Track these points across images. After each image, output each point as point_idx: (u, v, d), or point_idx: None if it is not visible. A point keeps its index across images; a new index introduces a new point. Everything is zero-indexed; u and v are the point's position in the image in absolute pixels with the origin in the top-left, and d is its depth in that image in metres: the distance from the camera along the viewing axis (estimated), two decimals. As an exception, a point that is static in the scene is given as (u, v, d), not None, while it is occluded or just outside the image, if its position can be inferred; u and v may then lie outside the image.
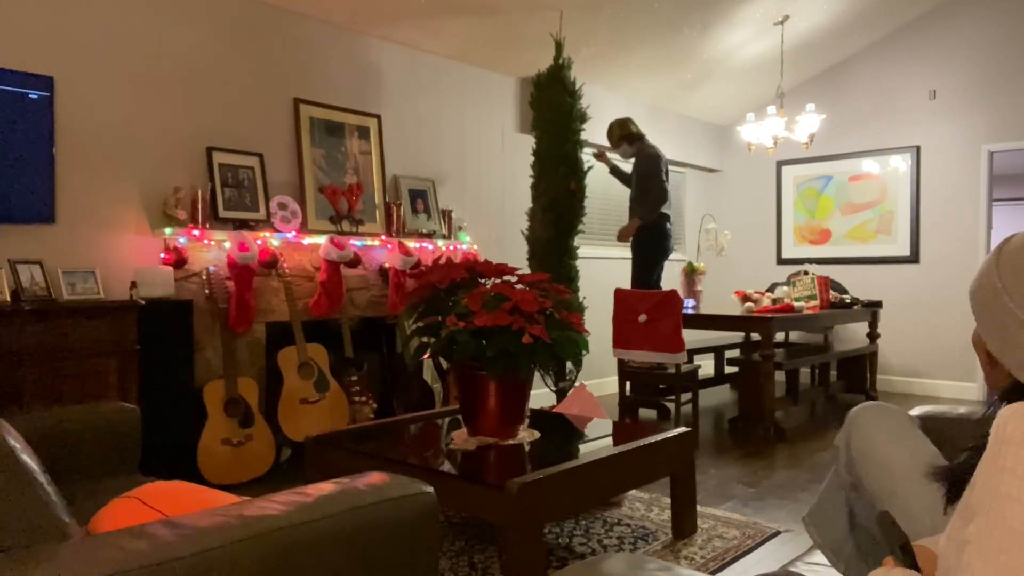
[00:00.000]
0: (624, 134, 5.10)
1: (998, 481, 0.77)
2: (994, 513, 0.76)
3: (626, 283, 5.80)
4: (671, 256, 5.18)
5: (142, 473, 2.21)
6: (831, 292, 5.55)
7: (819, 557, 1.56)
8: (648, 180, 4.97)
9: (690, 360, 5.41)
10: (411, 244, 4.56)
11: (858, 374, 6.00)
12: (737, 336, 6.19)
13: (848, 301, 5.68)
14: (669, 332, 4.38)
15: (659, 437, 2.75)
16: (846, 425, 1.57)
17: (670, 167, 5.25)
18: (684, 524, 2.85)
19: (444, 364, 4.58)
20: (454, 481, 2.33)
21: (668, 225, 5.01)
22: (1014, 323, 0.90)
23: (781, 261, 7.20)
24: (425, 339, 2.76)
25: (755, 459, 4.13)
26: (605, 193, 6.23)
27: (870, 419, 1.53)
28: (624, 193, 5.39)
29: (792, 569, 1.49)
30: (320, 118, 4.37)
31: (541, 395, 5.38)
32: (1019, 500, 0.74)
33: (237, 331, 3.74)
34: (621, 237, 5.07)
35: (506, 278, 2.88)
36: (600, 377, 6.14)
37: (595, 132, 5.53)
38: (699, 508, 3.17)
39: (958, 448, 1.65)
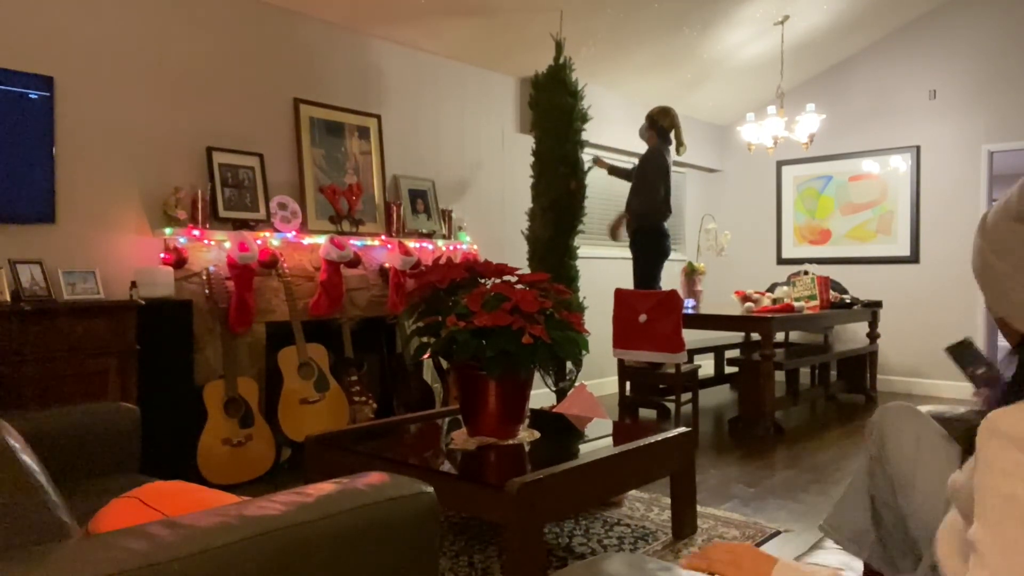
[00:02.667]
0: (654, 116, 5.03)
1: (992, 482, 0.81)
2: (993, 511, 0.80)
3: (626, 283, 5.80)
4: (671, 256, 5.18)
5: (142, 473, 2.20)
6: (831, 292, 5.55)
7: (819, 557, 1.56)
8: (642, 181, 4.99)
9: (690, 360, 5.41)
10: (411, 244, 4.56)
11: (858, 374, 6.00)
12: (737, 336, 6.19)
13: (848, 301, 5.68)
14: (669, 332, 4.38)
15: (659, 437, 2.75)
16: (875, 419, 1.62)
17: (671, 168, 5.22)
18: (684, 524, 2.85)
19: (444, 364, 4.58)
20: (454, 481, 2.33)
21: (666, 225, 5.00)
22: (997, 275, 0.96)
23: (781, 261, 7.20)
24: (425, 339, 2.76)
25: (755, 459, 4.13)
26: (605, 193, 6.23)
27: (897, 415, 1.58)
28: (624, 191, 5.38)
29: None
30: (320, 118, 4.37)
31: (541, 395, 5.38)
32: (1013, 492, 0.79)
33: (237, 331, 3.74)
34: (612, 231, 5.12)
35: (506, 278, 2.88)
36: (600, 377, 6.14)
37: (596, 132, 5.52)
38: (699, 508, 3.17)
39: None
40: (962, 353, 1.31)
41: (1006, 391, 0.96)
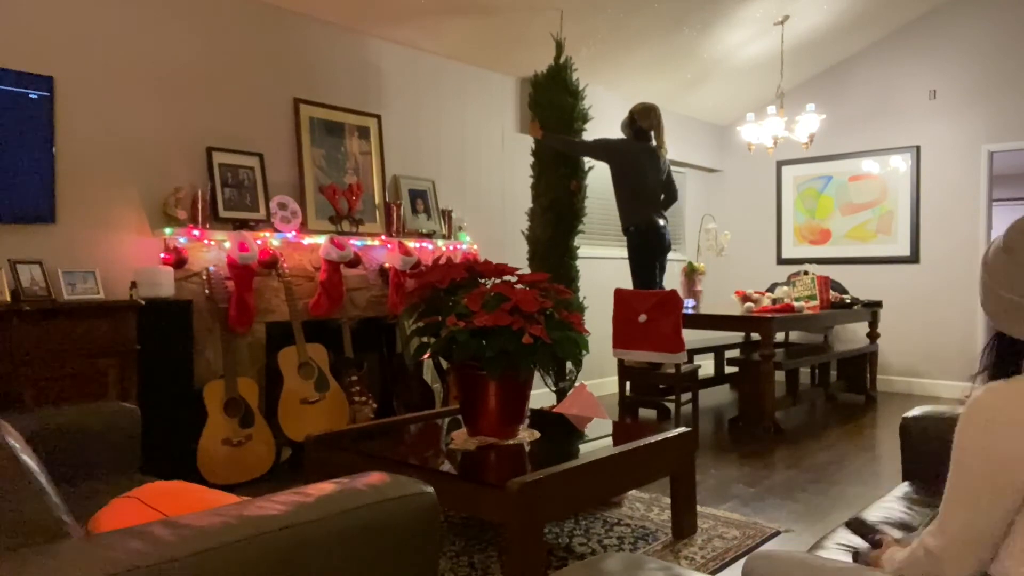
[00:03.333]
0: (635, 114, 4.94)
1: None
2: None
3: (626, 283, 5.80)
4: (671, 256, 5.15)
5: (142, 473, 2.21)
6: (831, 292, 5.55)
7: (823, 555, 1.55)
8: (618, 177, 4.90)
9: (690, 360, 5.41)
10: (411, 244, 4.56)
11: (858, 374, 6.00)
12: (737, 336, 6.18)
13: (848, 301, 5.68)
14: (669, 332, 4.38)
15: (659, 437, 2.75)
16: None
17: (672, 168, 5.20)
18: (684, 524, 2.85)
19: (444, 364, 4.58)
20: (454, 481, 2.33)
21: (660, 222, 4.89)
22: (986, 291, 1.25)
23: (781, 261, 7.20)
24: (425, 339, 2.76)
25: (755, 459, 4.13)
26: (605, 193, 6.21)
27: None
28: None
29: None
30: (320, 118, 4.37)
31: (541, 395, 5.38)
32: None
33: (237, 331, 3.74)
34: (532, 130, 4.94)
35: (506, 278, 2.88)
36: (600, 377, 6.14)
37: (596, 132, 5.52)
38: (699, 508, 3.16)
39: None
40: (862, 527, 1.48)
41: (994, 371, 1.24)
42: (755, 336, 5.70)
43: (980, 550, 1.10)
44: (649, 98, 6.41)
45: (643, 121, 4.91)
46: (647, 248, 4.89)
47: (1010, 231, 1.24)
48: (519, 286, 2.77)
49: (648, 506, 3.23)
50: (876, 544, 1.37)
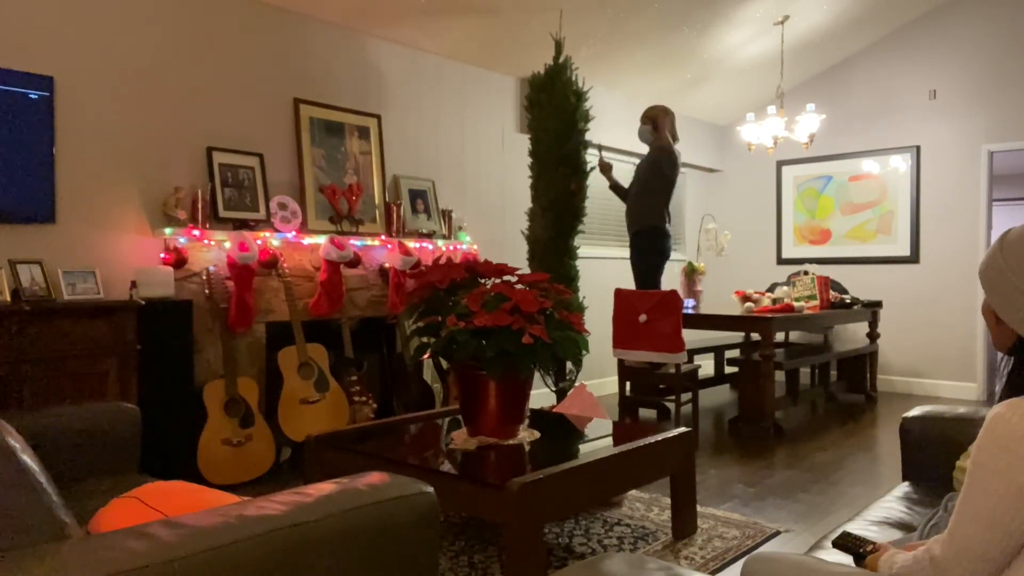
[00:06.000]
0: (657, 116, 4.98)
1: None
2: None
3: (626, 283, 5.80)
4: (671, 257, 5.16)
5: (142, 473, 2.21)
6: (831, 292, 5.55)
7: (822, 556, 1.55)
8: (658, 179, 4.90)
9: (690, 360, 5.41)
10: (411, 244, 4.56)
11: (858, 374, 6.00)
12: (737, 336, 6.19)
13: (848, 301, 5.68)
14: (669, 332, 4.38)
15: (659, 437, 2.75)
16: None
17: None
18: (684, 524, 2.85)
19: (444, 364, 4.58)
20: (454, 481, 2.33)
21: (668, 226, 4.96)
22: (1015, 292, 1.21)
23: (781, 261, 7.20)
24: (425, 339, 2.76)
25: (755, 459, 4.13)
26: (605, 193, 6.22)
27: None
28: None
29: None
30: (320, 118, 4.36)
31: (541, 395, 5.38)
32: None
33: (237, 331, 3.74)
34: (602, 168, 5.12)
35: (506, 278, 2.88)
36: (600, 377, 6.14)
37: (595, 132, 5.52)
38: (699, 508, 3.17)
39: (957, 447, 1.67)
40: (850, 541, 1.42)
41: (1012, 387, 1.23)
42: (755, 336, 5.70)
43: (988, 565, 1.09)
44: (649, 98, 6.43)
45: (670, 117, 5.00)
46: (661, 252, 4.93)
47: None
48: (519, 286, 2.77)
49: (648, 506, 3.23)
50: (870, 551, 1.37)
